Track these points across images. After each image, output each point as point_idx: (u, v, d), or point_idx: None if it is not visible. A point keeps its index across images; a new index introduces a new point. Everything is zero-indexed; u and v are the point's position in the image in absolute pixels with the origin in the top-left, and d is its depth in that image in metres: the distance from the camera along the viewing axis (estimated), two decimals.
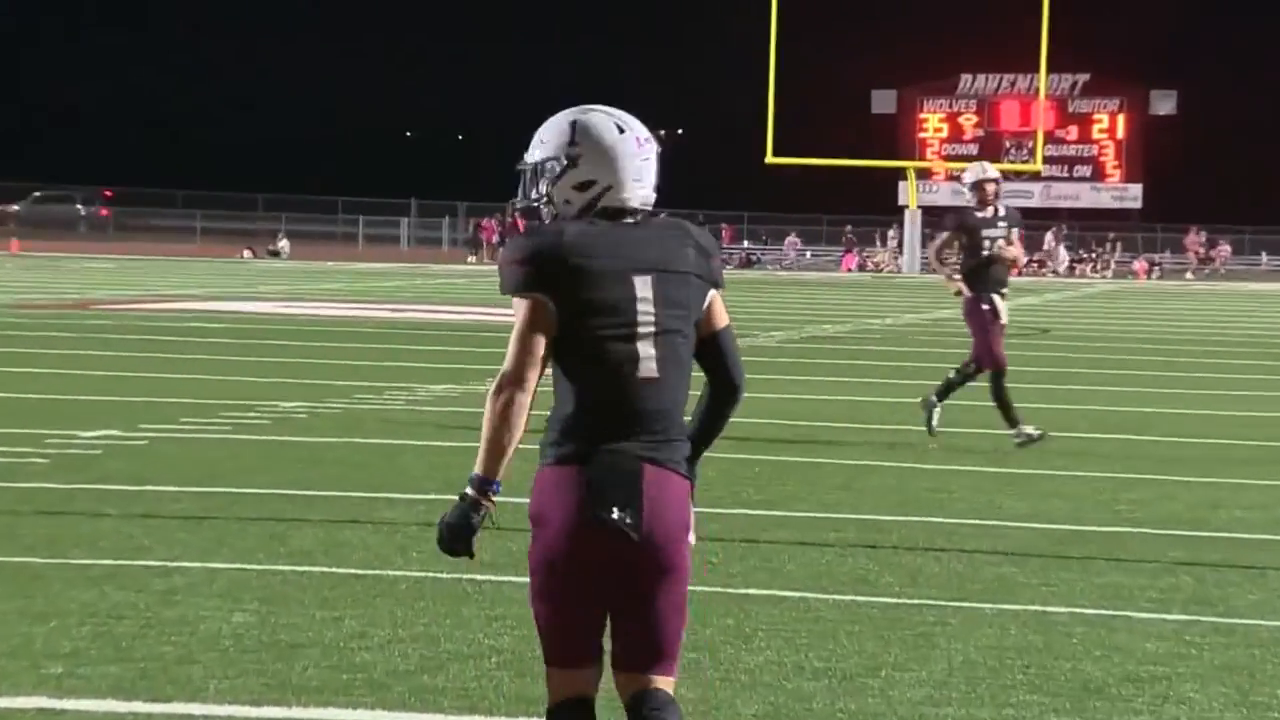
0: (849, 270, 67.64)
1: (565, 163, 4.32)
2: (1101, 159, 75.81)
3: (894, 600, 7.86)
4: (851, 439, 13.81)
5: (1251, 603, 8.02)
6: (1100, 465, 12.62)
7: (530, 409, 4.20)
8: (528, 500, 4.28)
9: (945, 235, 14.24)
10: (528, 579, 4.27)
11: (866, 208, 76.17)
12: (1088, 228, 74.08)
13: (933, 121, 75.82)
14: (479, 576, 8.00)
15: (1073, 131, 75.50)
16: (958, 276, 14.08)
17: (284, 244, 68.69)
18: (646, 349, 4.22)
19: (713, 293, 4.45)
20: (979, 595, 8.03)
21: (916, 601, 7.84)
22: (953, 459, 12.75)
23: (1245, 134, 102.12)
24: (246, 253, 66.65)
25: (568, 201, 4.32)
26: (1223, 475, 12.24)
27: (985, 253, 13.87)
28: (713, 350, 4.46)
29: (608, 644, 4.26)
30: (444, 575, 8.06)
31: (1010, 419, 13.41)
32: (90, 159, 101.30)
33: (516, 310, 4.19)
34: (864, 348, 24.42)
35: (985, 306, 13.81)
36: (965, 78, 76.26)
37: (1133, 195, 76.57)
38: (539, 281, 4.15)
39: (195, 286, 38.80)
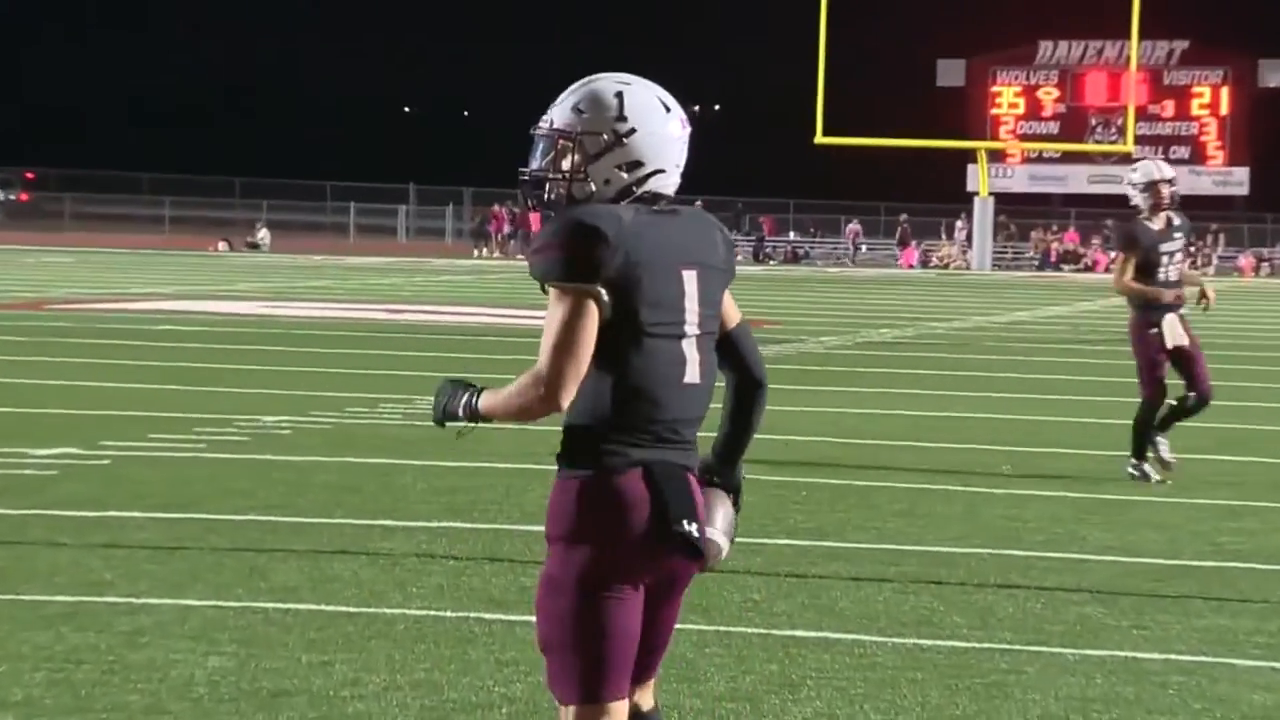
0: (910, 266, 67.60)
1: (612, 139, 4.39)
2: (1202, 139, 75.67)
3: (962, 644, 7.86)
4: (913, 459, 13.82)
5: None
6: (1199, 491, 12.60)
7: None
8: (543, 526, 4.34)
9: (1121, 259, 13.42)
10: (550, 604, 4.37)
11: (930, 195, 76.09)
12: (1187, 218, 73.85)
13: (1007, 96, 75.76)
14: (488, 616, 8.03)
15: (1169, 107, 75.37)
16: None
17: (264, 235, 68.93)
18: (691, 351, 4.40)
19: (725, 291, 4.61)
20: (1059, 639, 8.02)
21: (987, 646, 7.84)
22: (1029, 483, 12.74)
23: None
24: (222, 245, 66.89)
25: (607, 181, 4.39)
26: None
27: (1161, 273, 13.24)
28: (733, 348, 4.62)
29: None
30: (448, 614, 8.08)
31: (1139, 447, 13.22)
32: (36, 137, 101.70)
33: (561, 303, 4.26)
34: (927, 355, 24.42)
35: (1153, 330, 13.20)
36: (1044, 45, 76.17)
37: (1238, 180, 76.43)
38: (596, 271, 4.24)
39: (164, 284, 38.96)
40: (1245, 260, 67.90)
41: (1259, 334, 31.24)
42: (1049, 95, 75.40)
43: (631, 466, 4.31)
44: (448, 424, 4.56)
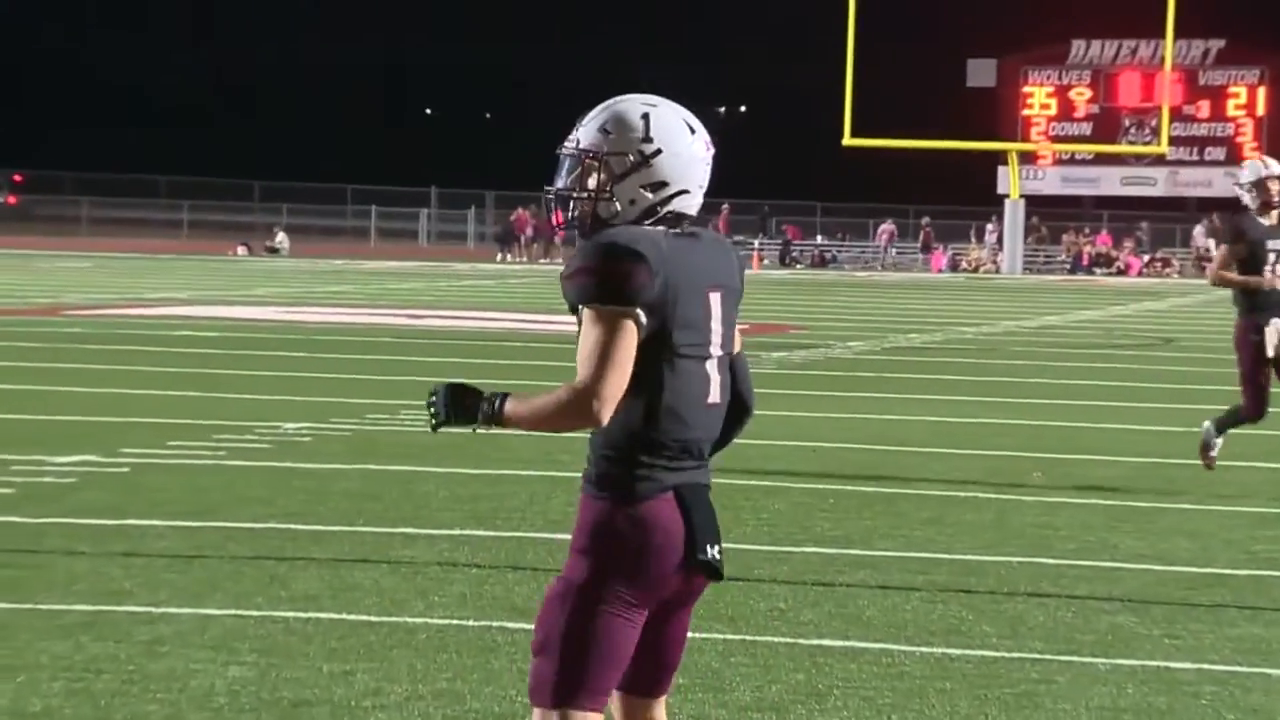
0: (939, 270, 67.53)
1: (638, 160, 4.52)
2: (1238, 139, 75.38)
3: (991, 654, 7.88)
4: (941, 466, 13.82)
5: None
6: (1233, 498, 12.59)
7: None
8: (568, 535, 4.39)
9: (1223, 250, 13.07)
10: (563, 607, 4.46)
11: (960, 197, 75.99)
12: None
13: (1039, 96, 75.57)
14: (510, 625, 8.06)
15: (1204, 108, 75.12)
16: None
17: (281, 239, 69.02)
18: (714, 372, 4.56)
19: None
20: (1090, 648, 8.04)
21: (1018, 655, 7.86)
22: (1059, 490, 12.75)
23: None
24: (241, 249, 67.04)
25: (633, 201, 4.52)
26: None
27: (1267, 270, 12.64)
28: (731, 377, 4.71)
29: None
30: (470, 623, 8.12)
31: (1223, 424, 13.05)
32: (46, 139, 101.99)
33: (600, 323, 4.36)
34: (956, 360, 24.42)
35: (1255, 337, 12.94)
36: (1077, 45, 75.99)
37: None
38: (638, 294, 4.37)
39: (182, 289, 39.06)
40: None
41: None
42: (1081, 96, 75.20)
43: (663, 491, 4.46)
44: (454, 428, 4.59)
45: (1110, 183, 75.51)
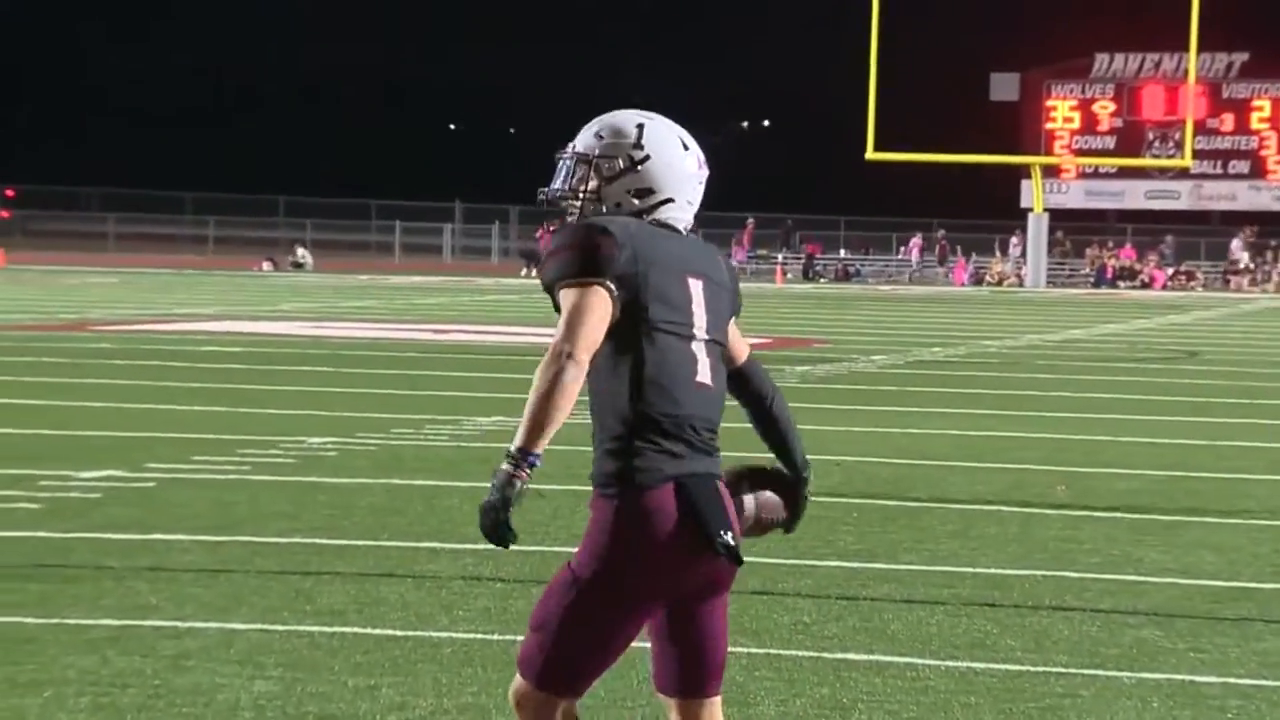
0: (962, 284, 67.45)
1: (627, 164, 4.68)
2: (1262, 153, 75.20)
3: (1016, 667, 7.86)
4: (965, 480, 13.80)
5: None
6: (1258, 512, 12.55)
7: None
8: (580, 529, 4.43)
9: None
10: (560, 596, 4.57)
11: (984, 211, 75.92)
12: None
13: (1062, 110, 75.46)
14: None
15: (1228, 121, 74.93)
16: None
17: (303, 254, 69.06)
18: (701, 354, 4.66)
19: (732, 320, 4.86)
20: (1116, 662, 8.02)
21: (1042, 669, 7.84)
22: (1084, 504, 12.72)
23: None
24: (266, 265, 67.18)
25: (619, 205, 4.69)
26: None
27: None
28: (746, 380, 4.91)
29: None
30: (495, 637, 8.12)
31: None
32: (82, 158, 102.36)
33: (571, 293, 4.50)
34: (979, 374, 24.38)
35: None
36: (1100, 58, 75.89)
37: None
38: (606, 266, 4.50)
39: (208, 304, 39.15)
40: None
41: None
42: (1105, 109, 75.06)
43: (663, 482, 4.53)
44: (509, 520, 4.50)
45: (1134, 196, 75.34)
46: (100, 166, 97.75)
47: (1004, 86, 76.20)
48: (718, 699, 4.75)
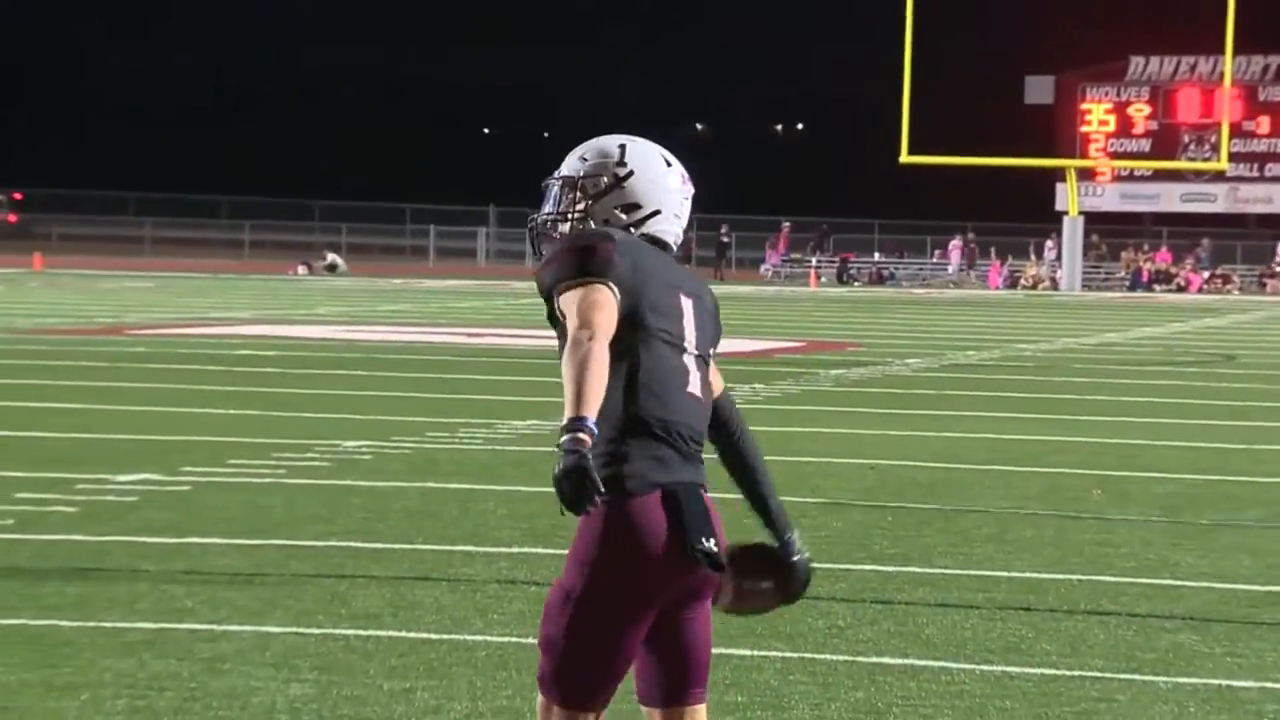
0: (997, 288, 67.33)
1: (612, 181, 4.80)
2: None
3: (1051, 672, 7.84)
4: (1000, 483, 13.78)
5: None
6: None
7: None
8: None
9: None
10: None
11: (1018, 214, 75.74)
12: None
13: (1097, 113, 75.25)
14: None
15: (1264, 123, 74.63)
16: None
17: (332, 258, 69.08)
18: (691, 365, 4.75)
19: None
20: (1152, 667, 7.99)
21: (1078, 673, 7.82)
22: (1119, 508, 12.68)
23: None
24: (301, 269, 67.30)
25: (607, 221, 4.79)
26: None
27: None
28: (715, 408, 4.91)
29: None
30: (530, 640, 8.12)
31: None
32: (117, 161, 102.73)
33: (576, 291, 4.55)
34: (1014, 377, 24.33)
35: None
36: (1135, 61, 75.68)
37: None
38: (608, 267, 4.57)
39: (243, 308, 39.26)
40: None
41: None
42: (1140, 112, 74.81)
43: (652, 489, 4.59)
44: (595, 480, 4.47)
45: (1170, 199, 75.10)
46: (133, 171, 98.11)
47: (1039, 89, 76.02)
48: (702, 707, 4.74)
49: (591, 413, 4.40)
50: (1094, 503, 12.91)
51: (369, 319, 36.19)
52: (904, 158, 63.14)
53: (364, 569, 9.80)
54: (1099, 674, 7.81)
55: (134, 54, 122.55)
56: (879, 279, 71.11)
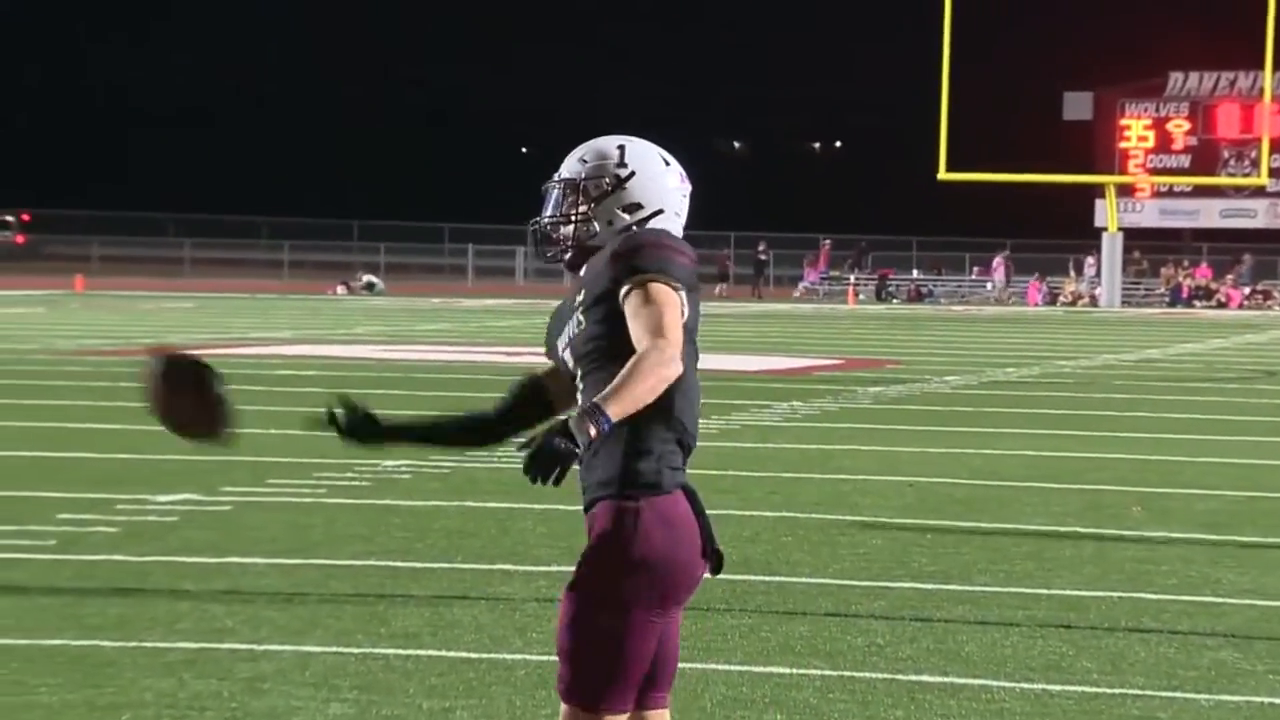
0: (1035, 304, 67.17)
1: (613, 182, 4.84)
2: None
3: (1092, 689, 7.82)
4: (1040, 501, 13.74)
5: None
6: None
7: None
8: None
9: None
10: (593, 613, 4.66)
11: (1057, 230, 75.58)
12: None
13: (1136, 129, 75.06)
14: None
15: None
16: None
17: (368, 278, 69.17)
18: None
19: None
20: (1193, 684, 7.96)
21: (1119, 691, 7.79)
22: (1160, 525, 12.64)
23: None
24: (340, 288, 67.47)
25: (610, 223, 4.84)
26: None
27: None
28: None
29: None
30: None
31: None
32: (158, 183, 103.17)
33: (663, 294, 4.60)
34: (1054, 394, 24.26)
35: None
36: (1175, 77, 75.49)
37: None
38: (687, 279, 4.69)
39: (282, 328, 39.37)
40: None
41: None
42: (1180, 128, 74.58)
43: (678, 488, 4.68)
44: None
45: (1209, 215, 74.87)
46: (171, 190, 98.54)
47: (1077, 105, 75.87)
48: (666, 712, 4.80)
49: (618, 418, 4.45)
50: (1134, 520, 12.86)
51: (408, 338, 36.26)
52: (942, 174, 63.04)
53: (403, 588, 9.82)
54: (1140, 692, 7.78)
55: (169, 72, 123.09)
56: (917, 296, 70.99)
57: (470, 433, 5.25)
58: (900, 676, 7.97)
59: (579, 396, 4.79)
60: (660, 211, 4.86)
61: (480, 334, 38.72)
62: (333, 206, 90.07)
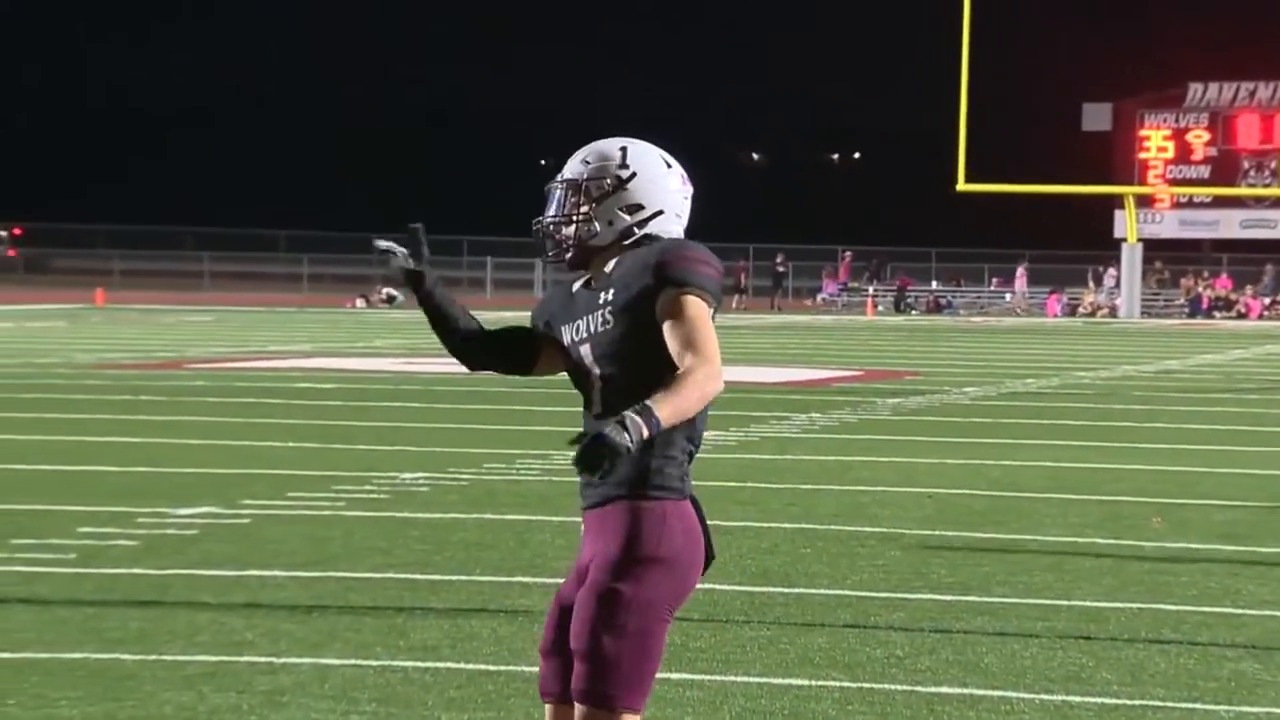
0: (1055, 315, 67.10)
1: (614, 183, 4.93)
2: None
3: (1112, 701, 7.81)
4: (1059, 512, 13.72)
5: None
6: None
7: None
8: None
9: None
10: (635, 621, 4.78)
11: (1076, 241, 75.52)
12: None
13: (1155, 140, 75.01)
14: None
15: None
16: None
17: (389, 291, 69.15)
18: None
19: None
20: (1213, 695, 7.95)
21: (1139, 702, 7.78)
22: (1180, 536, 12.62)
23: None
24: (359, 301, 67.56)
25: (610, 223, 4.94)
26: None
27: None
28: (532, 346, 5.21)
29: None
30: None
31: None
32: (170, 196, 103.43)
33: (704, 312, 4.77)
34: (1073, 405, 24.23)
35: None
36: (1194, 88, 75.44)
37: None
38: (719, 298, 4.85)
39: (302, 341, 39.43)
40: None
41: None
42: (1199, 138, 74.54)
43: (688, 491, 4.88)
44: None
45: (1229, 225, 74.79)
46: (170, 191, 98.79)
47: (1096, 117, 75.85)
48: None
49: (667, 424, 4.58)
50: (1154, 531, 12.84)
51: (427, 351, 36.28)
52: (960, 186, 63.03)
53: (422, 600, 9.83)
54: (1160, 703, 7.77)
55: (191, 84, 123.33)
56: (936, 307, 70.94)
57: (463, 340, 5.40)
58: (919, 688, 7.96)
59: (596, 395, 4.90)
60: (660, 213, 4.96)
61: None
62: (352, 219, 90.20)
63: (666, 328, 4.73)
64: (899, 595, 10.02)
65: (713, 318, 4.81)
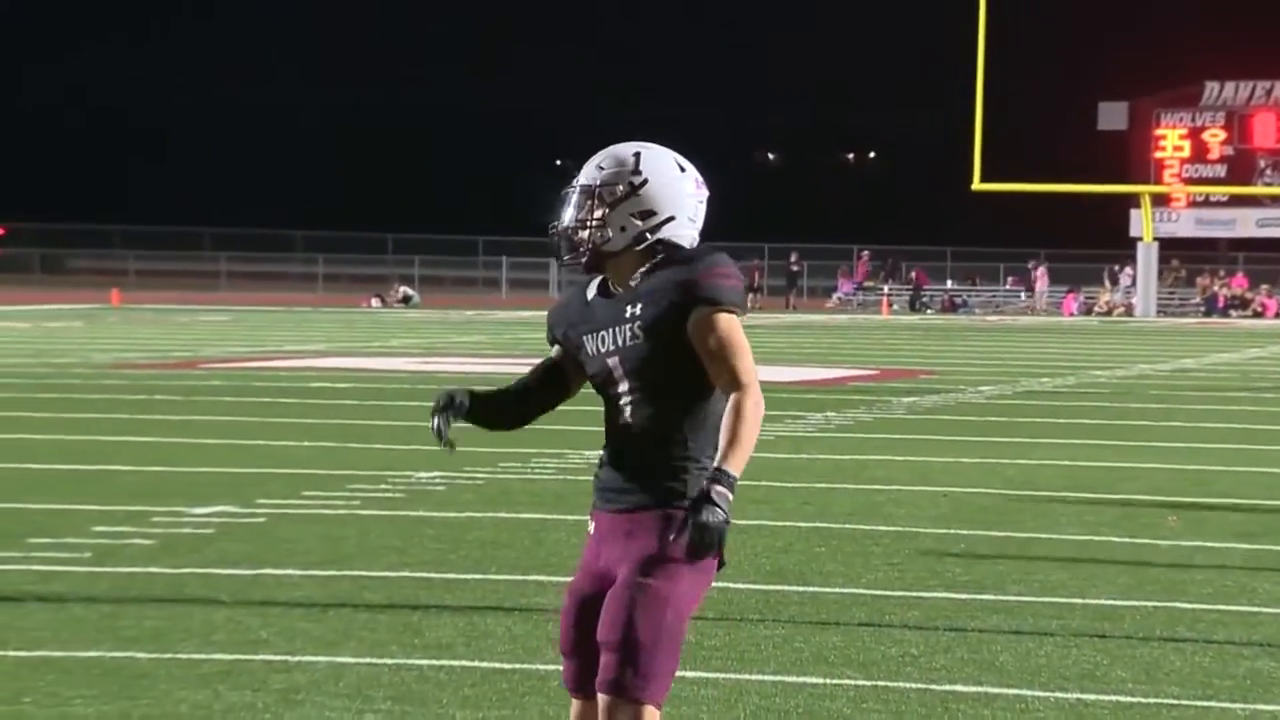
0: (1071, 314, 67.03)
1: (628, 189, 5.00)
2: None
3: (1127, 699, 7.80)
4: (1074, 510, 13.71)
5: None
6: None
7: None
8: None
9: None
10: (671, 620, 4.94)
11: (1092, 240, 75.43)
12: None
13: (1171, 139, 74.90)
14: None
15: None
16: None
17: (405, 290, 69.30)
18: None
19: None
20: (1229, 694, 7.94)
21: (1154, 701, 7.77)
22: (1196, 534, 12.60)
23: None
24: (375, 301, 67.63)
25: (623, 228, 5.01)
26: None
27: None
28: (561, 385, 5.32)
29: None
30: None
31: None
32: (186, 196, 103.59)
33: (736, 327, 4.89)
34: (1089, 404, 24.21)
35: None
36: (1210, 86, 75.32)
37: None
38: (744, 310, 4.98)
39: (317, 341, 39.47)
40: None
41: None
42: (1215, 137, 74.42)
43: None
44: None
45: (1246, 224, 74.68)
46: (205, 205, 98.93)
47: (1112, 116, 75.75)
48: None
49: (740, 471, 4.78)
50: (1170, 529, 12.83)
51: (442, 351, 36.32)
52: (976, 185, 62.96)
53: (437, 599, 9.84)
54: (1175, 701, 7.77)
55: (204, 84, 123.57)
56: (951, 306, 70.88)
57: (499, 414, 5.64)
58: (934, 687, 7.96)
59: (625, 406, 4.98)
60: (673, 218, 5.02)
61: (514, 346, 38.77)
62: (368, 219, 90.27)
63: (702, 349, 4.86)
64: (914, 594, 10.01)
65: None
